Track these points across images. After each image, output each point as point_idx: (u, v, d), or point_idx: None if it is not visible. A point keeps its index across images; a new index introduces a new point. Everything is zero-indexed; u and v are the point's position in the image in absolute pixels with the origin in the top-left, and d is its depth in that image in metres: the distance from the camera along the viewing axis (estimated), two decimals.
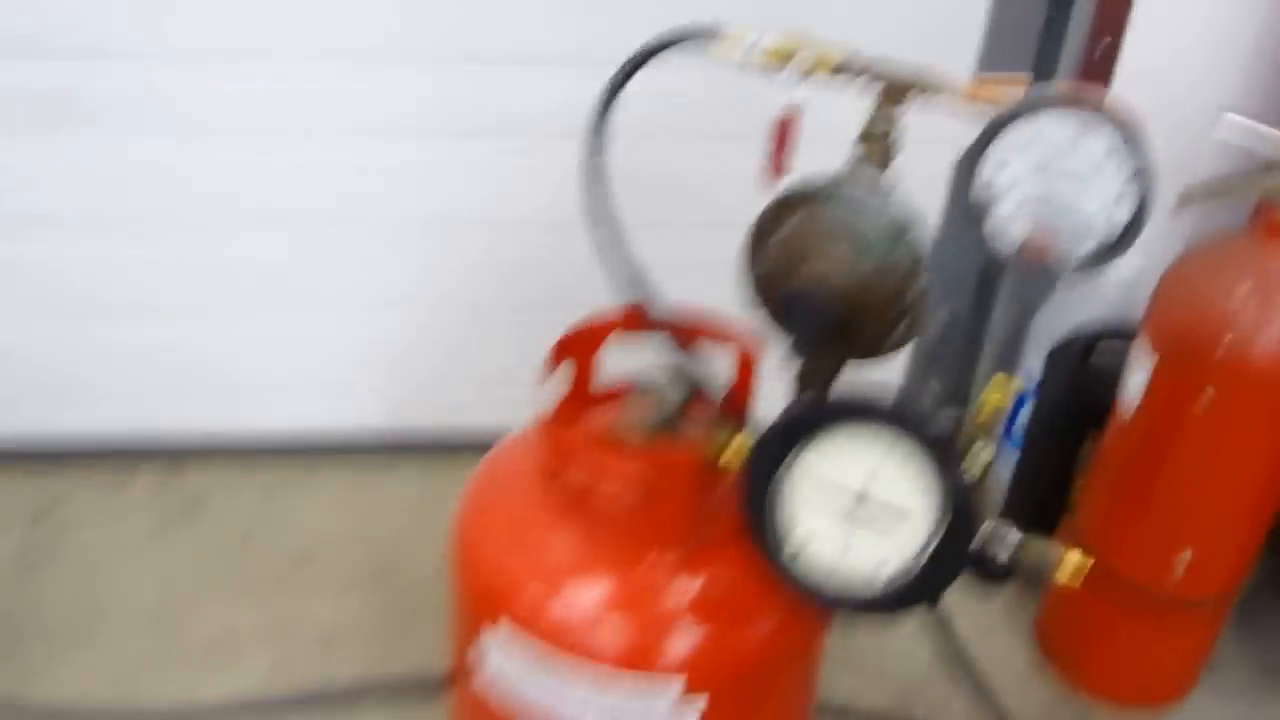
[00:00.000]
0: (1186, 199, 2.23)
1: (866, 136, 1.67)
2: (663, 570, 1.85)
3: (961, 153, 1.56)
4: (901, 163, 1.69)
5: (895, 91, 1.64)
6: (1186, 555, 2.46)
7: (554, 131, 2.54)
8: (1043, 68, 2.68)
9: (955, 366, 3.06)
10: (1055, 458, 2.63)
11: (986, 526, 1.56)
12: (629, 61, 1.74)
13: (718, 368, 1.79)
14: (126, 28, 2.51)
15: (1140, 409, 2.39)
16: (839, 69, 1.64)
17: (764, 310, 1.75)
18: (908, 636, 2.64)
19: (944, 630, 2.14)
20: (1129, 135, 1.49)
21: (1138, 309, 2.38)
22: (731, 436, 1.73)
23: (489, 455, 2.09)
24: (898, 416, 1.56)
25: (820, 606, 1.68)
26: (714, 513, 1.83)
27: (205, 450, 3.06)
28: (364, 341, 2.98)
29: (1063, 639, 2.73)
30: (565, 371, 1.94)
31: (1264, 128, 2.15)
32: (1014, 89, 1.57)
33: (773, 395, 1.79)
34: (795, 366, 1.77)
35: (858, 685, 2.55)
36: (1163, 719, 2.68)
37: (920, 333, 1.68)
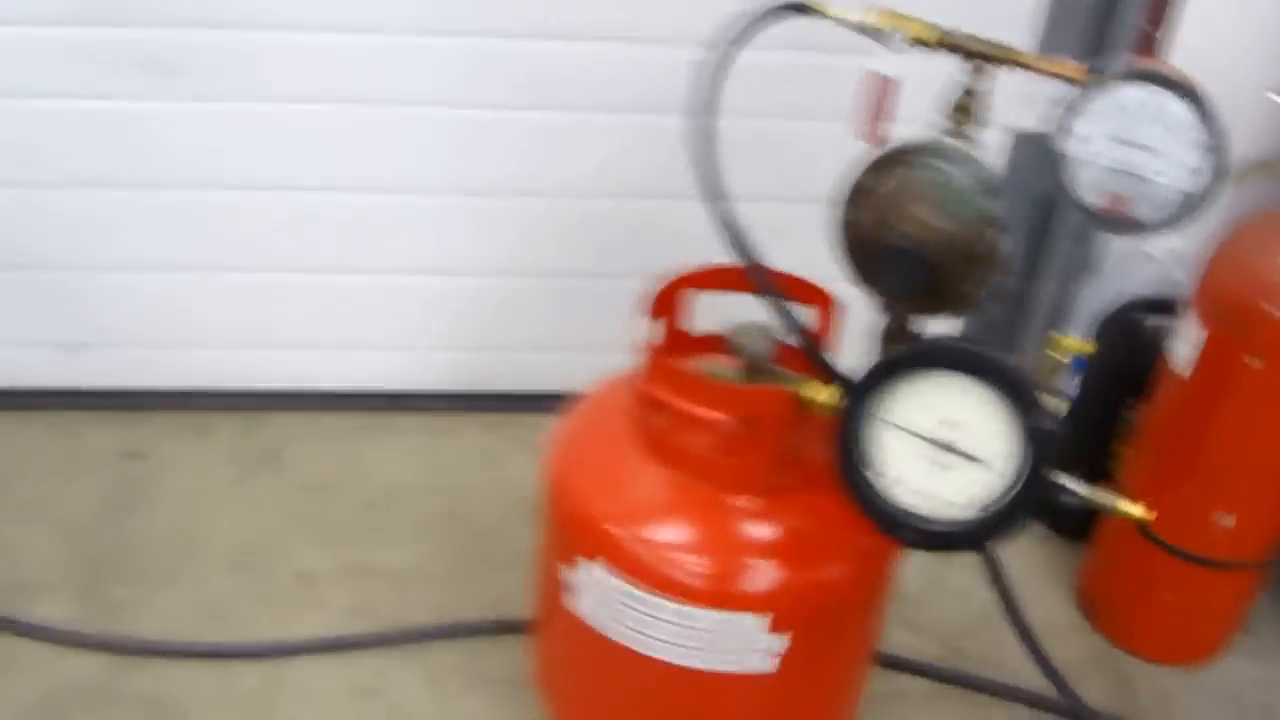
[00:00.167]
0: (1238, 176, 2.30)
1: (957, 105, 1.73)
2: (749, 512, 1.94)
3: (1046, 123, 1.64)
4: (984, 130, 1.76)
5: (984, 64, 1.71)
6: (1227, 519, 2.52)
7: (615, 106, 2.77)
8: (1096, 53, 2.74)
9: (1002, 336, 3.13)
10: (1098, 423, 2.70)
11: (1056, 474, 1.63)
12: (734, 32, 1.80)
13: (801, 322, 1.85)
14: None
15: (1188, 377, 2.46)
16: (933, 42, 1.70)
17: (856, 265, 1.82)
18: (954, 593, 2.72)
19: (998, 580, 2.20)
20: (1204, 109, 1.58)
21: (1180, 283, 2.43)
22: (814, 386, 1.82)
23: (579, 400, 2.17)
24: (984, 364, 1.65)
25: (905, 543, 1.74)
26: (798, 458, 1.92)
27: (283, 402, 3.15)
28: (435, 303, 3.07)
29: (1103, 597, 2.80)
30: (658, 321, 2.02)
31: None
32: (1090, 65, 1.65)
33: (852, 348, 1.89)
34: (881, 319, 1.86)
35: (908, 639, 2.62)
36: (1196, 677, 2.74)
37: (1001, 290, 1.77)
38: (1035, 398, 1.63)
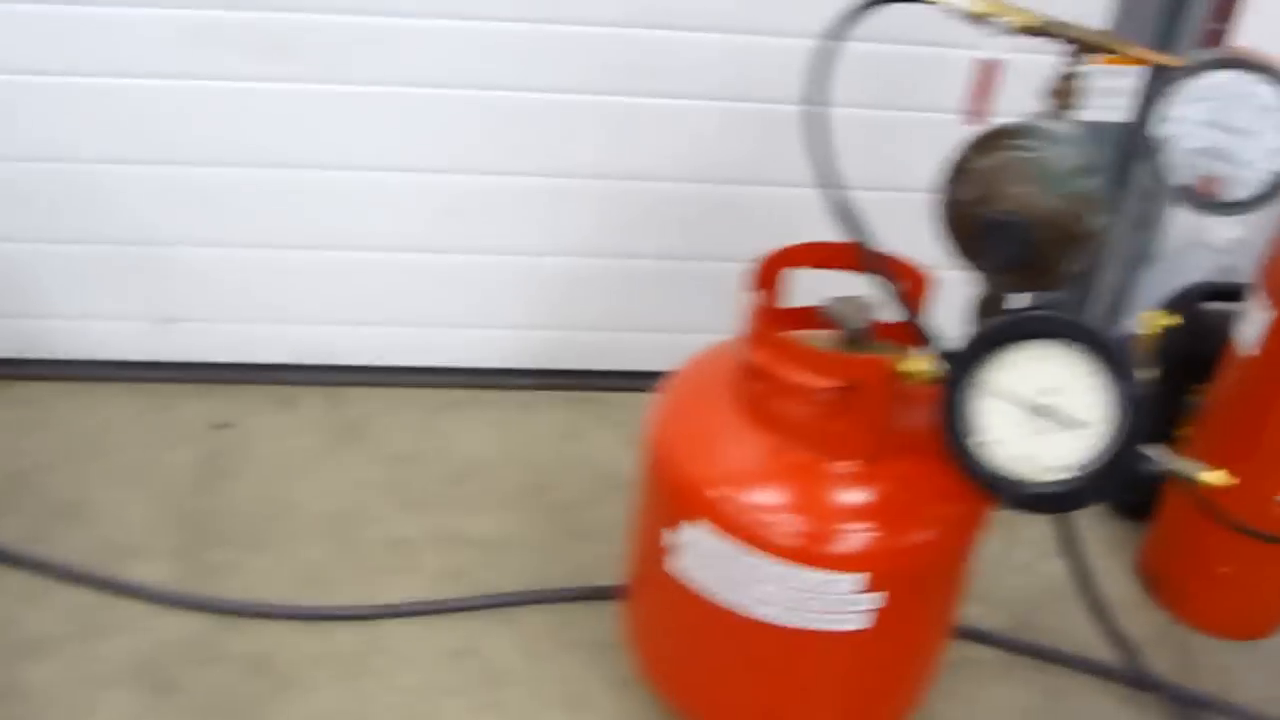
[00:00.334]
0: None
1: (1055, 89, 1.84)
2: (847, 477, 2.04)
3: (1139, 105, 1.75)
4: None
5: (1082, 49, 1.82)
6: None
7: (714, 95, 2.88)
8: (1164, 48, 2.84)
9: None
10: (1160, 407, 2.79)
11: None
12: (843, 17, 1.90)
13: (896, 296, 1.94)
14: None
15: (1254, 358, 2.54)
16: (1034, 29, 1.82)
17: (956, 240, 1.93)
18: (1018, 569, 2.82)
19: (1073, 551, 2.30)
20: None
21: (1239, 270, 2.52)
22: (912, 357, 1.93)
23: (681, 369, 2.29)
24: (1082, 333, 1.77)
25: (1006, 505, 1.86)
26: (893, 426, 2.02)
27: (366, 377, 3.28)
28: (517, 282, 3.19)
29: (1164, 573, 2.88)
30: (760, 295, 2.10)
31: None
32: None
33: (945, 321, 1.98)
34: (978, 291, 1.97)
35: (977, 611, 2.69)
36: (1256, 650, 2.82)
37: (1094, 265, 1.88)
38: (1131, 365, 1.74)
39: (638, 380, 3.07)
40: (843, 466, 2.03)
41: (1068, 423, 1.80)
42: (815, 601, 2.03)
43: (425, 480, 2.98)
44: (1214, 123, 1.78)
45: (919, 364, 1.92)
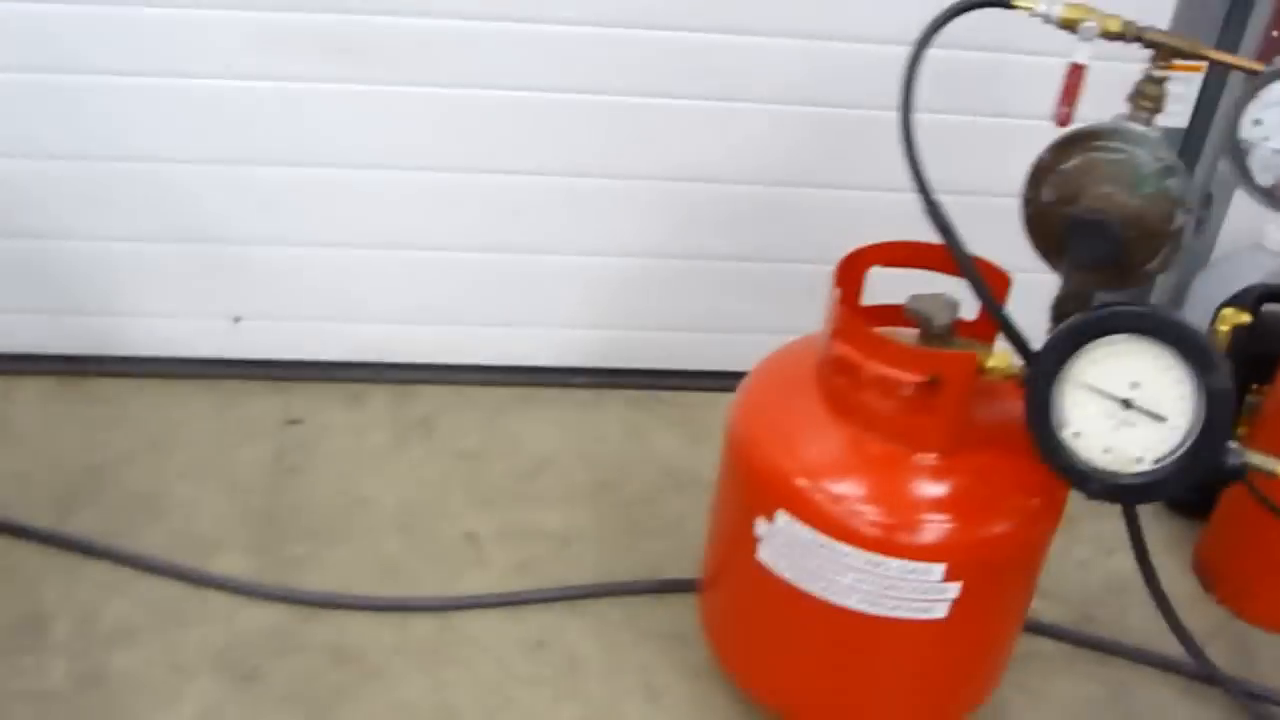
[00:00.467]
0: None
1: (1140, 92, 1.95)
2: (929, 468, 2.14)
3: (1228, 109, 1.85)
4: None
5: (1165, 54, 1.92)
6: None
7: (776, 97, 2.97)
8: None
9: None
10: None
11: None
12: (930, 25, 2.01)
13: (983, 294, 2.04)
14: None
15: None
16: (1120, 34, 1.92)
17: (1041, 239, 2.02)
18: (1079, 564, 2.91)
19: (1139, 546, 2.39)
20: None
21: None
22: (995, 353, 2.05)
23: (762, 364, 2.40)
24: (1167, 328, 1.87)
25: (1092, 495, 1.97)
26: (972, 420, 2.12)
27: (432, 375, 3.38)
28: (582, 282, 3.28)
29: (1223, 569, 2.96)
30: (843, 290, 2.19)
31: None
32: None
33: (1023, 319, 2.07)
34: (1060, 289, 2.07)
35: (1040, 605, 2.71)
36: None
37: (1174, 264, 1.98)
38: (1214, 359, 1.83)
39: (697, 379, 3.21)
40: (924, 458, 2.13)
41: (1152, 415, 1.88)
42: (897, 590, 2.12)
43: (494, 476, 3.07)
44: None
45: (1001, 360, 2.00)
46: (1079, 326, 1.90)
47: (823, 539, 2.11)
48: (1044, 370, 1.91)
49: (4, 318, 3.19)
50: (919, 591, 2.13)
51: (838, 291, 2.15)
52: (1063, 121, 1.94)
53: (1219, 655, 2.70)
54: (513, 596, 2.75)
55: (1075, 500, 2.11)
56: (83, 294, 3.18)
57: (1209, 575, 2.96)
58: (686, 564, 2.74)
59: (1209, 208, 3.07)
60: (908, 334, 2.18)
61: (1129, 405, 1.92)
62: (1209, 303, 2.94)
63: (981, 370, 2.05)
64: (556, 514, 2.97)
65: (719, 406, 2.99)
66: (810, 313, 2.66)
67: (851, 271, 2.20)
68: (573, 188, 3.10)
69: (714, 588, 2.48)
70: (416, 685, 2.55)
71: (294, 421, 3.17)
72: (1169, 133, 2.18)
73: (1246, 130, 1.83)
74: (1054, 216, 1.98)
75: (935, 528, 2.10)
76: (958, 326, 2.16)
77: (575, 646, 2.66)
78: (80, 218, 3.06)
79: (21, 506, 2.81)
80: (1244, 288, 2.97)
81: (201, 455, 3.05)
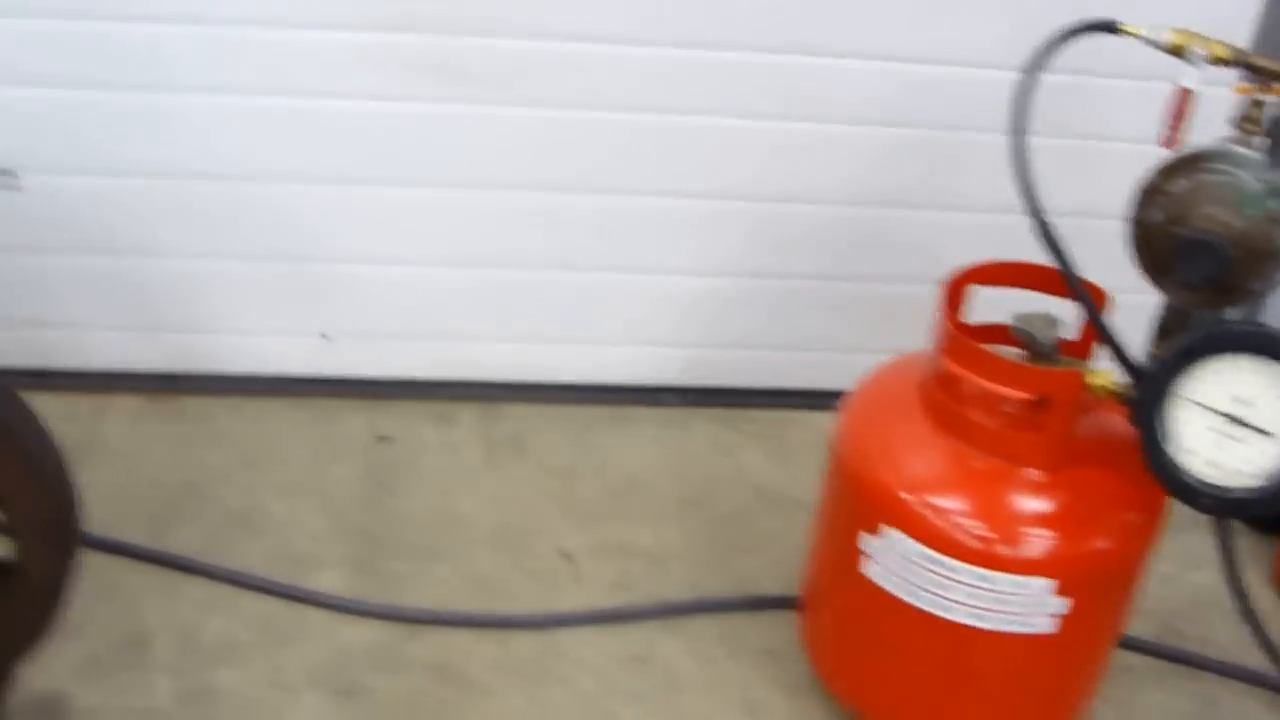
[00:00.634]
0: None
1: (1245, 116, 2.06)
2: (1037, 484, 2.24)
3: None
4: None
5: (1268, 78, 2.03)
6: None
7: (864, 119, 3.07)
8: None
9: None
10: None
11: None
12: (1040, 49, 2.11)
13: (1092, 313, 2.15)
14: (504, 9, 2.92)
15: None
16: (1228, 60, 2.04)
17: (1148, 258, 2.14)
18: (1163, 579, 3.00)
19: (1230, 561, 2.51)
20: None
21: None
22: (1100, 371, 2.14)
23: (865, 381, 2.50)
24: (1275, 345, 1.95)
25: (1202, 510, 2.08)
26: (1079, 436, 2.22)
27: (521, 393, 3.49)
28: (672, 300, 3.39)
29: None
30: (949, 310, 2.31)
31: None
32: None
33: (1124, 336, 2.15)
34: (1165, 308, 2.20)
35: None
36: None
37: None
38: None
39: (782, 397, 3.31)
40: (1030, 474, 2.23)
41: (1260, 432, 1.99)
42: (1005, 605, 2.22)
43: (586, 493, 3.18)
44: None
45: (1105, 378, 2.11)
46: (1189, 345, 1.99)
47: (932, 554, 2.21)
48: (1154, 388, 1.99)
49: (96, 335, 3.30)
50: (1027, 606, 2.22)
51: (945, 310, 2.26)
52: (1169, 145, 2.03)
53: None
54: (611, 613, 2.85)
55: None
56: (174, 311, 3.29)
57: None
58: (779, 580, 2.87)
59: None
60: (1010, 352, 2.26)
61: (1237, 421, 2.01)
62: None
63: (1088, 388, 2.11)
64: (649, 531, 3.07)
65: (805, 424, 3.12)
66: (893, 330, 2.78)
67: (956, 290, 2.30)
68: (663, 208, 3.21)
69: (817, 603, 2.58)
70: (519, 702, 2.64)
71: (384, 439, 3.28)
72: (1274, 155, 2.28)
73: None
74: (1162, 237, 2.07)
75: (1044, 543, 2.20)
76: (1061, 345, 2.23)
77: (674, 662, 2.75)
78: (173, 235, 3.17)
79: (118, 524, 2.90)
80: None
81: (295, 472, 3.16)
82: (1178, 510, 2.17)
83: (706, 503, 3.18)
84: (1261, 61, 2.00)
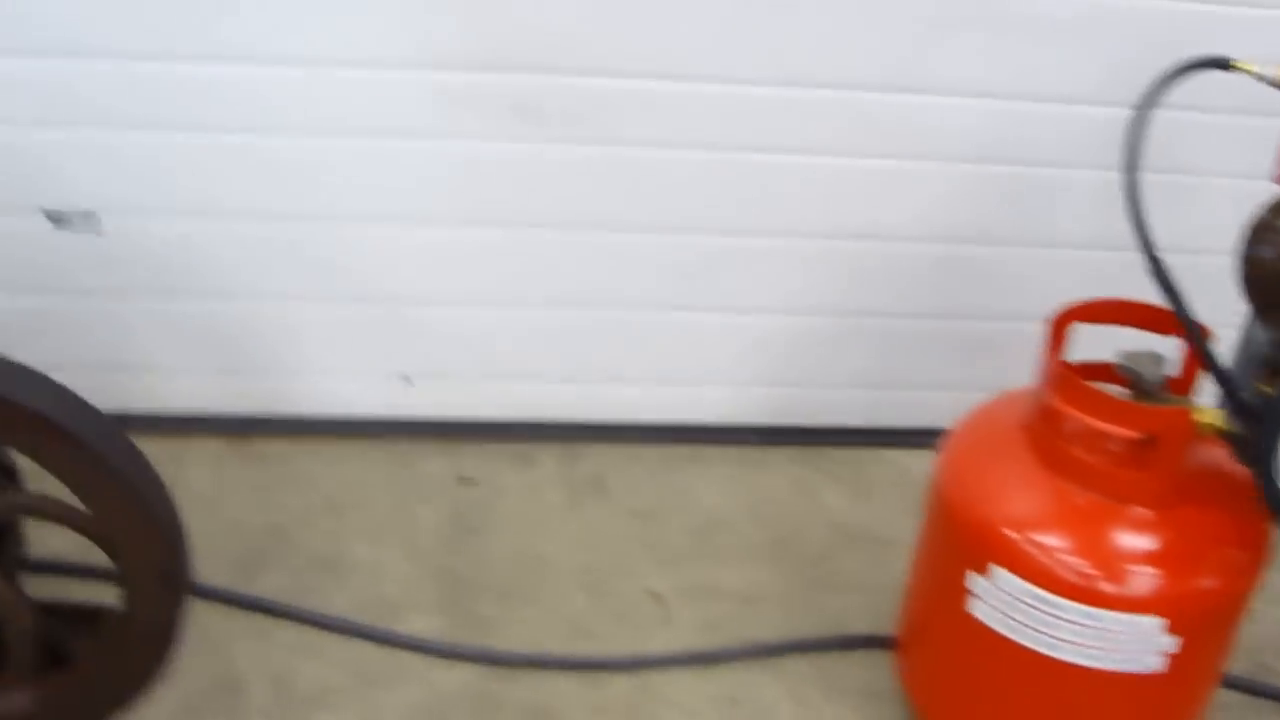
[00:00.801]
0: None
1: None
2: (1145, 522, 2.28)
3: None
4: None
5: None
6: None
7: (953, 155, 3.12)
8: None
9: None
10: None
11: None
12: (1153, 86, 2.16)
13: (1203, 351, 2.17)
14: (585, 47, 2.98)
15: None
16: None
17: (1258, 293, 2.19)
18: (1254, 616, 3.03)
19: None
20: None
21: None
22: (1209, 409, 2.17)
23: (965, 419, 2.53)
24: None
25: None
26: (1184, 473, 2.26)
27: (600, 433, 3.54)
28: (751, 340, 3.44)
29: None
30: (1055, 346, 2.35)
31: None
32: None
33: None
34: (1274, 344, 2.23)
35: None
36: None
37: None
38: None
39: (859, 435, 3.34)
40: (1137, 512, 2.27)
41: None
42: (1114, 643, 2.26)
43: (671, 534, 3.23)
44: None
45: (1214, 415, 2.16)
46: None
47: (1041, 593, 2.25)
48: (1270, 426, 2.03)
49: (175, 378, 3.38)
50: (1136, 645, 2.26)
51: (1051, 347, 2.30)
52: None
53: None
54: (705, 654, 2.89)
55: None
56: (254, 354, 3.35)
57: None
58: (869, 619, 2.92)
59: None
60: (1113, 389, 2.31)
61: None
62: None
63: (1197, 427, 2.16)
64: (736, 571, 3.12)
65: (883, 462, 3.17)
66: (975, 367, 2.82)
67: (1061, 327, 2.34)
68: (746, 247, 3.26)
69: (918, 643, 2.63)
70: None
71: (466, 480, 3.34)
72: None
73: None
74: (1273, 273, 2.12)
75: (1154, 581, 2.23)
76: (1172, 381, 2.29)
77: (769, 703, 2.80)
78: (253, 277, 3.23)
79: (204, 569, 2.94)
80: None
81: (379, 516, 3.22)
82: None
83: (790, 541, 3.23)
84: None
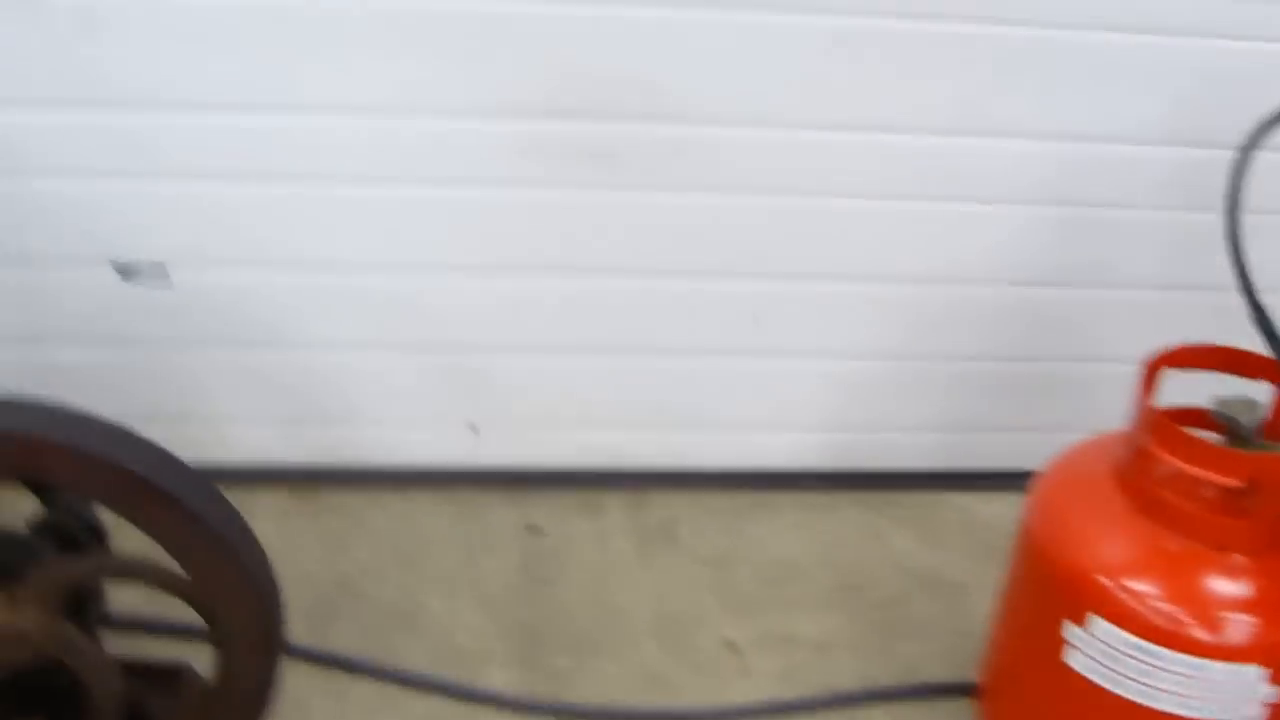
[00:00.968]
0: None
1: None
2: (1244, 570, 2.27)
3: None
4: None
5: None
6: None
7: (1024, 198, 3.13)
8: None
9: None
10: None
11: None
12: (1258, 128, 2.18)
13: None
14: (664, 93, 2.97)
15: None
16: None
17: None
18: None
19: None
20: None
21: None
22: None
23: (1055, 464, 2.54)
24: None
25: None
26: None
27: (667, 481, 3.56)
28: (817, 386, 3.46)
29: None
30: (1148, 391, 2.35)
31: None
32: None
33: None
34: None
35: None
36: None
37: None
38: None
39: (928, 480, 3.34)
40: (1234, 560, 2.26)
41: None
42: (1216, 694, 2.25)
43: (742, 582, 3.24)
44: None
45: None
46: None
47: (1141, 643, 2.25)
48: None
49: (240, 429, 3.39)
50: (1237, 695, 2.26)
51: (1144, 393, 2.30)
52: None
53: None
54: (785, 704, 2.90)
55: None
56: (319, 404, 3.36)
57: None
58: (946, 666, 2.92)
59: None
60: (1208, 435, 2.30)
61: None
62: None
63: None
64: (810, 619, 3.13)
65: (951, 506, 3.16)
66: (1041, 410, 2.81)
67: (1154, 372, 2.35)
68: (813, 291, 3.27)
69: (1006, 691, 2.63)
70: None
71: (534, 530, 3.34)
72: None
73: None
74: None
75: (1255, 631, 2.23)
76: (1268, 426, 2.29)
77: None
78: (319, 327, 3.24)
79: None
80: None
81: (449, 567, 3.23)
82: None
83: (862, 588, 3.23)
84: None
